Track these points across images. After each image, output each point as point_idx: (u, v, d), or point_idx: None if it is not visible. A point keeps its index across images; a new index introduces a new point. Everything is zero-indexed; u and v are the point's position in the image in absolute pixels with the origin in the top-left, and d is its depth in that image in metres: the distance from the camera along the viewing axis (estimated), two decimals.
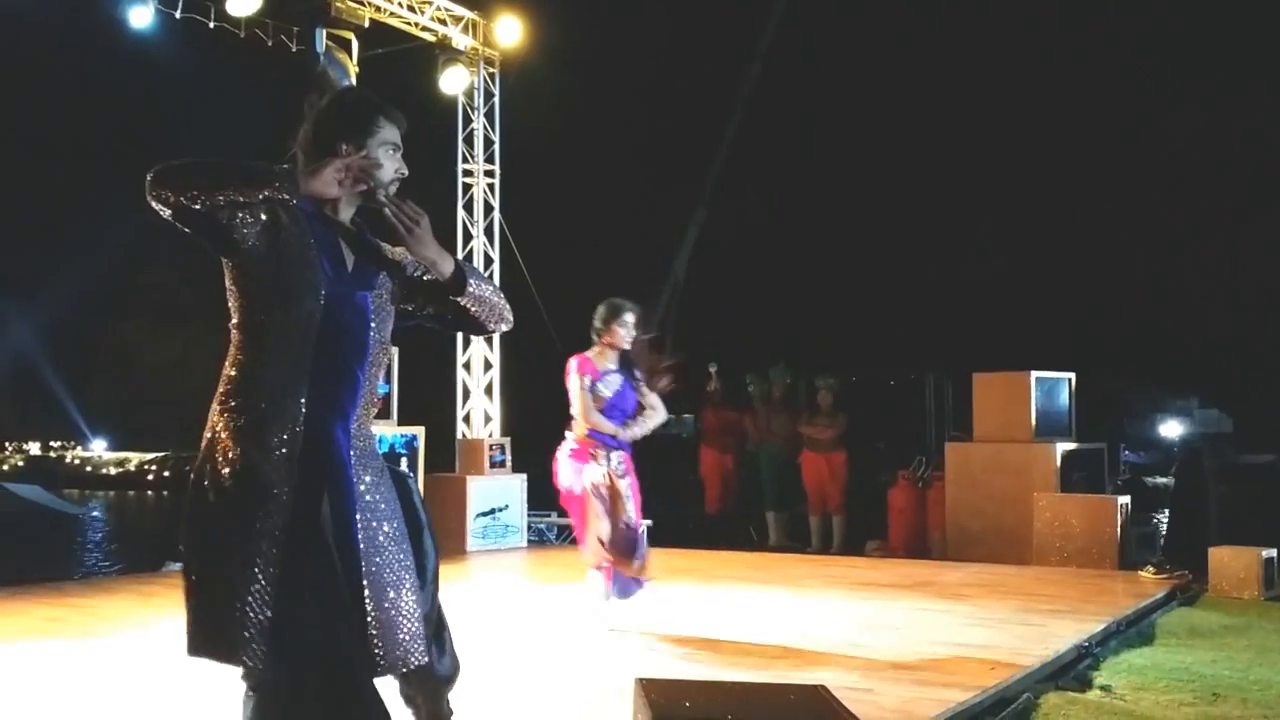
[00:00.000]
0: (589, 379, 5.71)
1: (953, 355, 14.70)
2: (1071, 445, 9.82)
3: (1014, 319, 18.87)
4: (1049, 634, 5.81)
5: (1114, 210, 20.02)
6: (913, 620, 6.38)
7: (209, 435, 2.57)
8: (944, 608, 6.80)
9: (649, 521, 10.66)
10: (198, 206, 2.43)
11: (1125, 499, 9.08)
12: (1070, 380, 10.22)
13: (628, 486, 5.78)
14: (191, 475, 2.58)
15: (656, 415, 5.92)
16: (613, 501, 5.68)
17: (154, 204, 2.45)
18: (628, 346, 5.78)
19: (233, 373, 2.58)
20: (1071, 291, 19.90)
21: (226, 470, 2.50)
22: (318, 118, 2.76)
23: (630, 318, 5.78)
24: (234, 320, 2.61)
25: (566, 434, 5.87)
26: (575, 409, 5.77)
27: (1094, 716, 4.46)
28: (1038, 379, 9.86)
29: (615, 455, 5.74)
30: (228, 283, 2.61)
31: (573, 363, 5.79)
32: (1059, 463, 9.48)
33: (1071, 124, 20.11)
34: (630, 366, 5.85)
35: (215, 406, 2.58)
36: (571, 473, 5.75)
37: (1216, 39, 18.70)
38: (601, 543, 5.63)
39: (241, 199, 2.46)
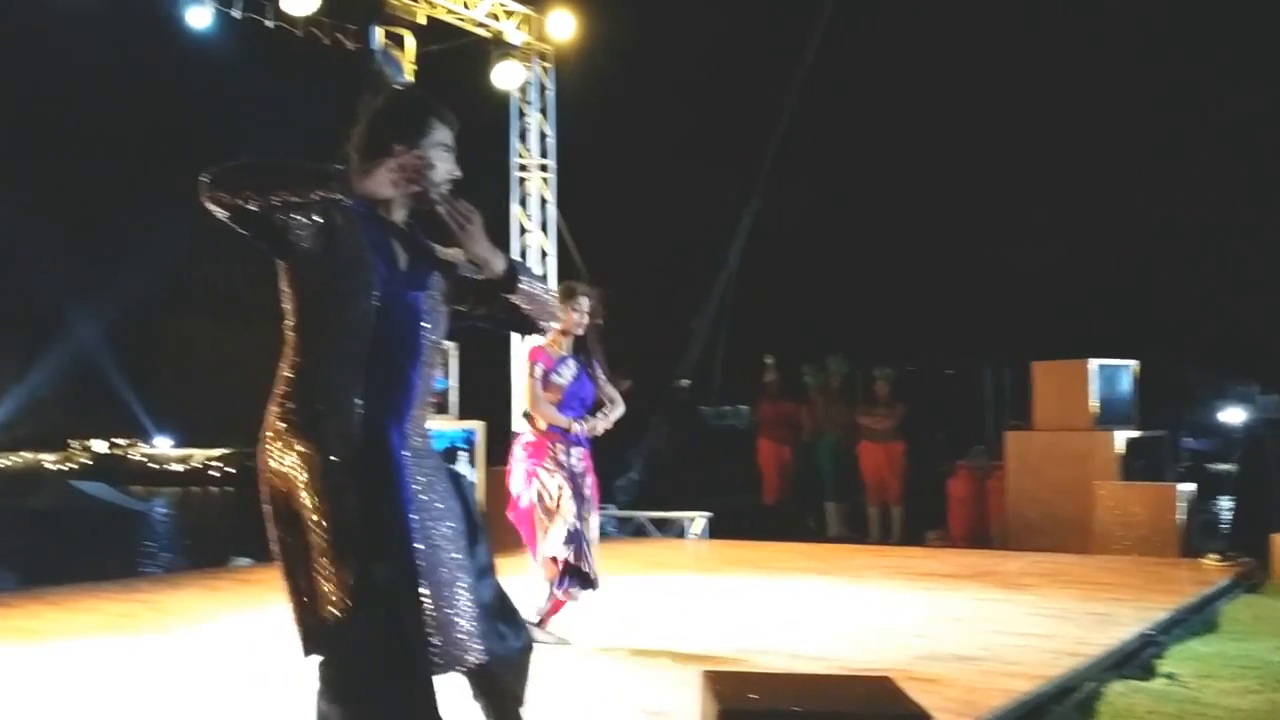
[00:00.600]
0: (541, 367, 5.42)
1: (1010, 343, 14.55)
2: (1133, 433, 9.71)
3: (1072, 306, 18.63)
4: (1112, 623, 5.76)
5: (1174, 193, 19.67)
6: (975, 610, 6.35)
7: (267, 434, 2.61)
8: (1006, 597, 6.77)
9: (697, 511, 10.71)
10: (252, 208, 2.45)
11: (1188, 486, 8.97)
12: (1132, 367, 10.10)
13: (589, 488, 5.48)
14: (259, 477, 2.63)
15: (616, 409, 5.60)
16: (575, 503, 5.36)
17: (209, 206, 2.48)
18: (581, 331, 5.48)
19: (288, 374, 2.62)
20: (1131, 277, 19.61)
21: (289, 470, 2.55)
22: (372, 118, 2.78)
23: (585, 302, 5.44)
24: (289, 321, 2.64)
25: (524, 428, 5.57)
26: (525, 394, 5.49)
27: (1159, 705, 4.42)
28: (1098, 366, 9.76)
29: (575, 451, 5.43)
30: (282, 284, 2.64)
31: (526, 352, 5.53)
32: (1120, 450, 9.38)
33: (1129, 105, 19.80)
34: (588, 354, 5.57)
35: (272, 407, 2.62)
36: (522, 479, 5.42)
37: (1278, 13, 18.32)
38: (555, 561, 5.30)
39: (295, 200, 2.49)
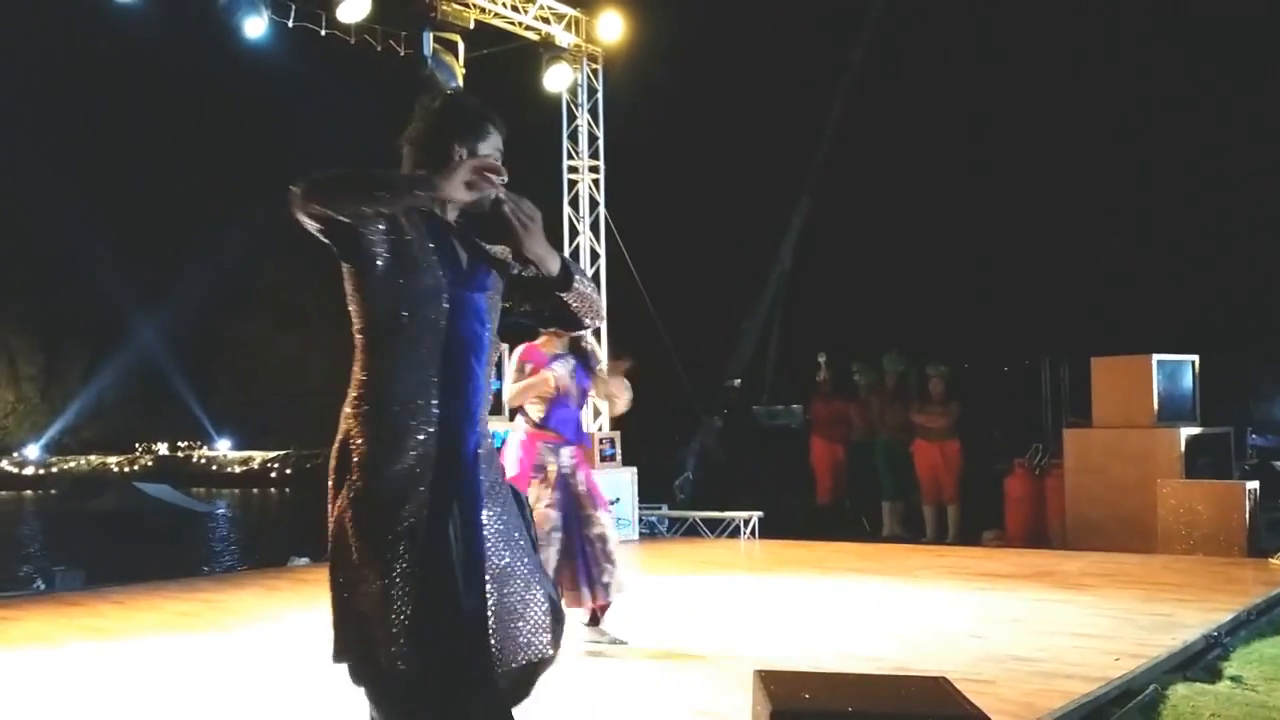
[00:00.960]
0: (530, 366, 5.35)
1: (1069, 339, 14.36)
2: (1196, 430, 9.54)
3: (1132, 301, 18.34)
4: (1175, 624, 5.66)
5: (1234, 185, 19.32)
6: (1033, 611, 6.27)
7: (342, 439, 2.61)
8: (1065, 598, 6.67)
9: (749, 511, 10.68)
10: (348, 219, 2.48)
11: (1253, 484, 8.78)
12: (1193, 363, 9.93)
13: (583, 482, 5.35)
14: (329, 480, 2.62)
15: (623, 396, 5.56)
16: (577, 509, 5.27)
17: (302, 218, 2.49)
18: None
19: (364, 377, 2.62)
20: (1192, 271, 19.27)
21: (363, 473, 2.55)
22: (431, 120, 2.79)
23: None
24: (359, 325, 2.65)
25: (518, 419, 5.48)
26: (506, 390, 5.37)
27: (1224, 709, 4.33)
28: (1159, 362, 9.59)
29: (565, 450, 5.35)
30: (350, 288, 2.64)
31: (518, 349, 5.43)
32: (1183, 448, 9.21)
33: (1186, 95, 19.45)
34: (583, 352, 5.52)
35: (348, 410, 2.62)
36: (515, 464, 5.31)
37: None
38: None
39: (388, 210, 2.52)
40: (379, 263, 2.59)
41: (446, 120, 2.79)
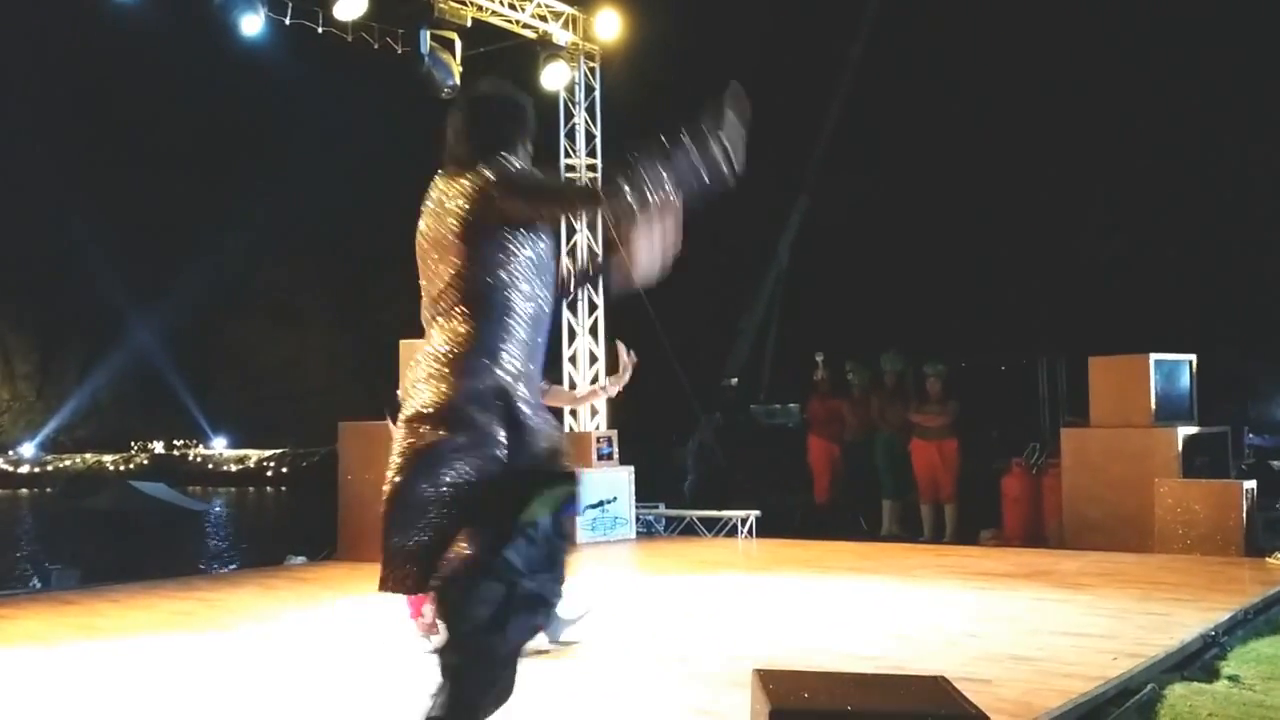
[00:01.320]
0: None
1: (1066, 338, 14.36)
2: (1193, 429, 9.53)
3: (1130, 300, 18.35)
4: (1173, 623, 5.65)
5: (1233, 184, 19.34)
6: (1031, 610, 6.26)
7: (468, 388, 2.70)
8: (1063, 597, 6.66)
9: (747, 510, 10.66)
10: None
11: (1250, 483, 8.78)
12: (1191, 362, 9.92)
13: None
14: (444, 425, 2.68)
15: (558, 391, 5.81)
16: None
17: (590, 211, 2.73)
18: None
19: (494, 339, 2.73)
20: (1190, 271, 19.28)
21: (501, 418, 2.70)
22: (515, 114, 3.09)
23: None
24: (487, 295, 2.74)
25: None
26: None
27: (1222, 708, 4.33)
28: (1157, 361, 9.58)
29: None
30: (477, 263, 2.74)
31: None
32: (1180, 447, 9.21)
33: (1187, 96, 19.47)
34: None
35: (470, 362, 2.71)
36: None
37: None
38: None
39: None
40: (527, 255, 2.79)
41: (527, 118, 3.10)
